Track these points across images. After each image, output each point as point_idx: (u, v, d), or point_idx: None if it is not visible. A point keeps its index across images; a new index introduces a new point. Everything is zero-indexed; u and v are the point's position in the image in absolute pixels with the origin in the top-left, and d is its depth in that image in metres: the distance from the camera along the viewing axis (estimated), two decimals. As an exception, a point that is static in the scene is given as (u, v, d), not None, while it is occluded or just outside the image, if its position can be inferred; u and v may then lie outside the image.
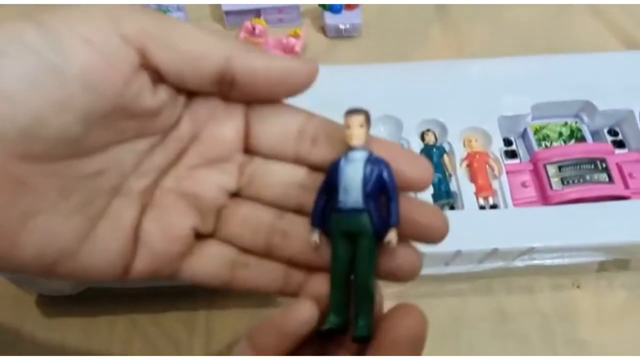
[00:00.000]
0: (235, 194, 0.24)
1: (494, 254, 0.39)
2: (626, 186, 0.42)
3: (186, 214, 0.23)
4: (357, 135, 0.22)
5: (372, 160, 0.22)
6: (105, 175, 0.21)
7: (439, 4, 0.60)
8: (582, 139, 0.45)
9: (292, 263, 0.24)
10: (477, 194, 0.41)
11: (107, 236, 0.21)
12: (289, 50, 0.55)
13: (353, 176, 0.21)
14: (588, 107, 0.45)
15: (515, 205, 0.41)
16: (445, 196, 0.41)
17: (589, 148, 0.44)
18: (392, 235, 0.22)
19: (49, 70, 0.17)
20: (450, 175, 0.43)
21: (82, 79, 0.18)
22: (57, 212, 0.19)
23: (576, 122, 0.46)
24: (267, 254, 0.24)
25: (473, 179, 0.42)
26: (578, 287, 0.43)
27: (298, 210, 0.24)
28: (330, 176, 0.22)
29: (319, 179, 0.23)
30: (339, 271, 0.22)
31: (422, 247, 0.37)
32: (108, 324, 0.42)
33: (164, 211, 0.23)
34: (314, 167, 0.24)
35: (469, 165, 0.43)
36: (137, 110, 0.20)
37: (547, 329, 0.42)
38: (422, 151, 0.43)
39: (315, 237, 0.22)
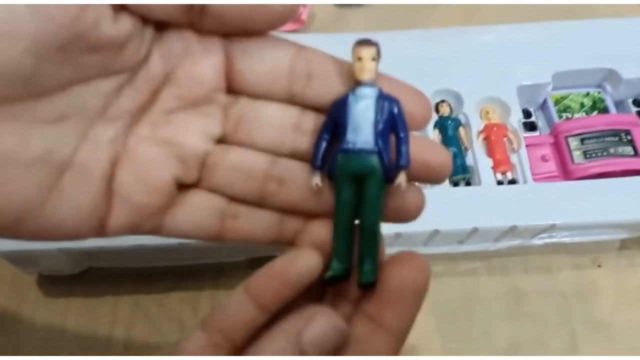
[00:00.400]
0: (221, 140, 0.22)
1: (511, 231, 0.37)
2: (652, 160, 0.40)
3: (166, 163, 0.21)
4: (369, 68, 0.20)
5: (384, 97, 0.20)
6: (68, 120, 0.18)
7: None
8: (605, 110, 0.43)
9: (289, 211, 0.22)
10: (494, 168, 0.39)
11: (75, 189, 0.19)
12: (295, 19, 0.53)
13: (364, 114, 0.20)
14: (611, 75, 0.43)
15: (535, 180, 0.39)
16: (461, 171, 0.40)
17: (613, 119, 0.41)
18: (402, 178, 0.20)
19: None
20: (466, 149, 0.41)
21: (31, 1, 0.16)
22: (16, 162, 0.17)
23: (599, 92, 0.44)
24: (260, 202, 0.22)
25: (490, 152, 0.40)
26: (599, 266, 0.42)
27: (293, 155, 0.22)
28: (336, 114, 0.20)
29: (316, 119, 0.21)
30: (344, 215, 0.21)
31: (438, 225, 0.36)
32: (111, 304, 0.41)
33: (141, 161, 0.20)
34: (309, 106, 0.21)
35: (486, 138, 0.41)
36: (96, 40, 0.18)
37: (565, 309, 0.40)
38: (437, 124, 0.41)
39: (317, 180, 0.21)
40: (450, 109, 0.42)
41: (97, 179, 0.20)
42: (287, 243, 0.22)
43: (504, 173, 0.40)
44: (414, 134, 0.21)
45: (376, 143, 0.20)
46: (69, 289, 0.41)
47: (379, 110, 0.20)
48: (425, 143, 0.21)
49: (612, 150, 0.40)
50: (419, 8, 0.55)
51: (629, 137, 0.40)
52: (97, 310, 0.40)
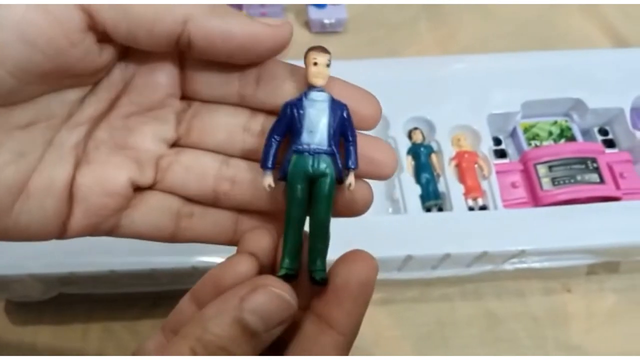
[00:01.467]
0: (175, 143, 0.23)
1: (483, 257, 0.38)
2: (617, 187, 0.41)
3: (121, 167, 0.21)
4: (324, 74, 0.21)
5: (335, 102, 0.21)
6: (36, 126, 0.19)
7: (427, 3, 0.59)
8: (572, 138, 0.44)
9: (243, 210, 0.23)
10: (466, 195, 0.40)
11: (40, 194, 0.20)
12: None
13: (318, 117, 0.21)
14: (578, 105, 0.44)
15: (505, 206, 0.40)
16: (433, 197, 0.40)
17: (580, 147, 0.43)
18: (351, 179, 0.21)
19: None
20: (438, 176, 0.41)
21: (19, 30, 0.17)
22: None
23: (566, 121, 0.45)
24: (214, 202, 0.23)
25: (462, 179, 0.41)
26: (569, 290, 0.42)
27: (244, 156, 0.22)
28: (289, 116, 0.21)
29: (265, 120, 0.22)
30: (297, 214, 0.21)
31: (412, 250, 0.36)
32: (81, 331, 0.40)
33: (98, 164, 0.21)
34: (257, 109, 0.22)
35: (458, 165, 0.41)
36: (81, 70, 0.19)
37: (538, 333, 0.41)
38: (410, 150, 0.42)
39: (270, 180, 0.21)
40: (423, 136, 0.43)
41: (61, 182, 0.20)
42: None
43: (475, 199, 0.40)
44: (362, 133, 0.22)
45: (330, 145, 0.21)
46: (38, 316, 0.40)
47: (332, 114, 0.21)
48: (372, 141, 0.22)
49: (579, 178, 0.41)
50: (395, 36, 0.56)
51: (594, 165, 0.41)
52: (67, 338, 0.39)
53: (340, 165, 0.21)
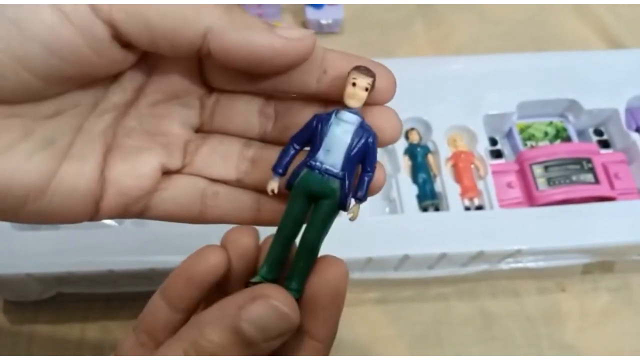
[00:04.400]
0: (199, 129, 0.23)
1: (479, 256, 0.38)
2: (612, 187, 0.42)
3: (152, 151, 0.22)
4: (359, 97, 0.20)
5: (364, 127, 0.20)
6: (64, 115, 0.20)
7: (422, 3, 0.59)
8: (567, 139, 0.45)
9: (264, 191, 0.23)
10: (462, 195, 0.40)
11: (72, 175, 0.20)
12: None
13: (341, 138, 0.20)
14: (574, 106, 0.44)
15: (501, 206, 0.40)
16: (430, 197, 0.40)
17: (575, 148, 0.43)
18: (356, 210, 0.21)
19: (10, 23, 0.17)
20: (435, 176, 0.42)
21: (46, 42, 0.18)
22: (19, 151, 0.19)
23: (562, 122, 0.45)
24: (237, 183, 0.23)
25: (458, 179, 0.41)
26: (563, 290, 0.43)
27: (261, 139, 0.23)
28: (313, 129, 0.21)
29: (277, 105, 0.22)
30: (289, 228, 0.21)
31: (408, 250, 0.36)
32: (78, 331, 0.40)
33: (130, 150, 0.22)
34: (270, 96, 0.23)
35: (454, 165, 0.42)
36: (106, 73, 0.20)
37: (532, 332, 0.41)
38: (406, 151, 0.42)
39: (274, 185, 0.21)
40: (420, 136, 0.43)
41: (92, 166, 0.21)
42: (266, 223, 0.23)
43: (471, 199, 0.41)
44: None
45: (343, 169, 0.20)
46: (36, 315, 0.40)
47: (356, 138, 0.20)
48: (378, 107, 0.21)
49: (574, 178, 0.41)
50: (391, 36, 0.57)
51: (590, 165, 0.42)
52: (65, 337, 0.39)
53: (346, 191, 0.20)
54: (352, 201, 0.21)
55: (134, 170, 0.22)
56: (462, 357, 0.40)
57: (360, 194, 0.21)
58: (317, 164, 0.20)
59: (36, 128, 0.19)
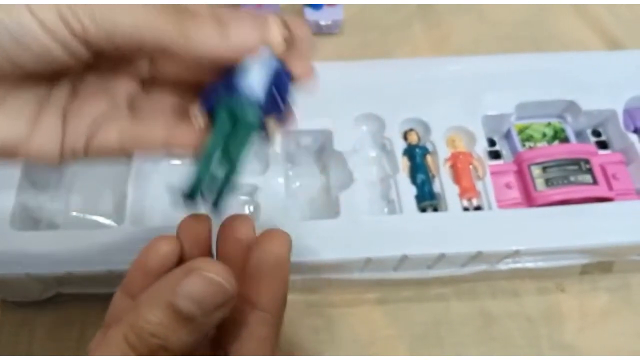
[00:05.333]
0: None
1: (478, 257, 0.38)
2: (610, 187, 0.42)
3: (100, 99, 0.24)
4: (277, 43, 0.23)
5: (277, 61, 0.23)
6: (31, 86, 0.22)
7: (421, 4, 0.59)
8: (565, 140, 0.45)
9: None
10: (461, 195, 0.40)
11: (48, 122, 0.22)
12: (268, 46, 0.54)
13: (259, 68, 0.22)
14: (572, 107, 0.45)
15: (499, 207, 0.40)
16: (428, 197, 0.40)
17: (573, 149, 0.43)
18: (273, 125, 0.23)
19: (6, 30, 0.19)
20: (433, 176, 0.42)
21: (16, 37, 0.19)
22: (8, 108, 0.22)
23: (560, 122, 0.45)
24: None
25: (457, 180, 0.41)
26: (562, 290, 0.43)
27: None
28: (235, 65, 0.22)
29: None
30: (214, 149, 0.22)
31: (407, 250, 0.37)
32: (78, 331, 0.40)
33: (83, 100, 0.23)
34: None
35: (453, 166, 0.42)
36: (69, 65, 0.21)
37: (532, 332, 0.41)
38: (405, 151, 0.42)
39: (201, 121, 0.23)
40: (418, 137, 0.43)
41: (58, 112, 0.23)
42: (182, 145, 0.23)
43: (469, 200, 0.41)
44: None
45: (261, 91, 0.22)
46: (34, 316, 0.40)
47: (271, 68, 0.22)
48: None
49: (572, 179, 0.41)
50: (390, 38, 0.57)
51: (588, 166, 0.42)
52: (64, 337, 0.40)
53: (265, 110, 0.22)
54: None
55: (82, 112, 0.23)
56: (462, 357, 0.40)
57: (277, 108, 0.23)
58: (239, 90, 0.22)
59: (9, 95, 0.21)
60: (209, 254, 0.24)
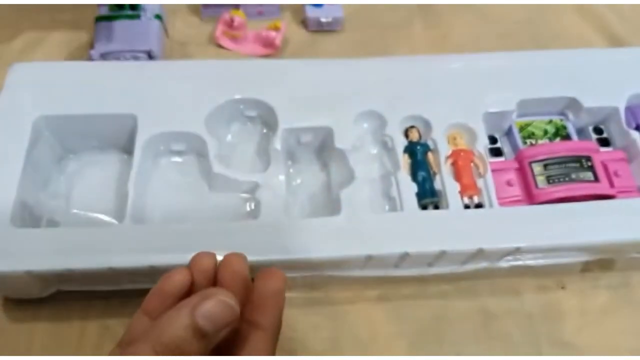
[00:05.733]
0: None
1: (478, 254, 0.38)
2: (611, 185, 0.42)
3: None
4: None
5: None
6: None
7: (422, 3, 0.59)
8: (567, 137, 0.45)
9: None
10: (462, 193, 0.40)
11: None
12: (268, 44, 0.54)
13: None
14: (573, 104, 0.44)
15: (500, 204, 0.40)
16: (429, 195, 0.40)
17: (575, 146, 0.43)
18: None
19: None
20: (434, 174, 0.42)
21: None
22: None
23: (561, 120, 0.45)
24: None
25: (458, 177, 0.41)
26: (563, 288, 0.43)
27: None
28: None
29: None
30: None
31: (408, 248, 0.36)
32: (78, 328, 0.40)
33: None
34: None
35: (454, 164, 0.42)
36: None
37: (532, 330, 0.41)
38: (406, 149, 0.42)
39: None
40: (420, 134, 0.43)
41: None
42: None
43: (470, 197, 0.41)
44: None
45: None
46: (35, 313, 0.40)
47: None
48: None
49: (573, 176, 0.41)
50: (390, 35, 0.57)
51: (589, 163, 0.42)
52: (64, 335, 0.39)
53: None
54: None
55: None
56: (463, 357, 0.40)
57: None
58: None
59: None
60: (214, 283, 0.28)
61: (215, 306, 0.24)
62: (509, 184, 0.42)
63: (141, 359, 0.23)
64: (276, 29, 0.54)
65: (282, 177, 0.42)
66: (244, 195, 0.42)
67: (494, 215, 0.39)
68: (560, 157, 0.42)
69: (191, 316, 0.23)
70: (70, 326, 0.40)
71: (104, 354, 0.39)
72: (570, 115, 0.45)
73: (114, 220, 0.41)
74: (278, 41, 0.53)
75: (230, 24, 0.53)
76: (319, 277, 0.41)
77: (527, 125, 0.45)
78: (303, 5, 0.55)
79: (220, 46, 0.54)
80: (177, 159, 0.44)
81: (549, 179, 0.41)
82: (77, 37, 0.54)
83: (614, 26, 0.58)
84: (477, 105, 0.43)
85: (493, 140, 0.45)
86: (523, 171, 0.42)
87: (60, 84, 0.43)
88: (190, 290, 0.27)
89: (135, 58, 0.50)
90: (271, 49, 0.54)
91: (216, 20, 0.54)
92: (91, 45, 0.51)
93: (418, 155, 0.42)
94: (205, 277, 0.28)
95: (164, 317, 0.24)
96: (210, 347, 0.24)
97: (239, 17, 0.53)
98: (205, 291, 0.25)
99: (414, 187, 0.40)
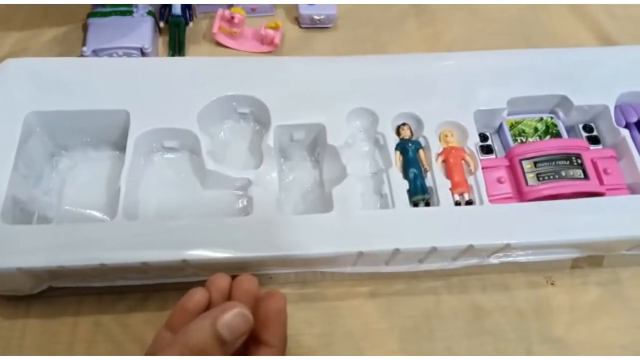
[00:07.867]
0: None
1: (469, 251, 0.38)
2: (601, 182, 0.42)
3: None
4: None
5: None
6: None
7: (414, 4, 0.59)
8: (557, 135, 0.45)
9: None
10: (452, 190, 0.41)
11: None
12: (268, 42, 0.54)
13: None
14: (564, 102, 0.45)
15: (490, 201, 0.40)
16: (420, 192, 0.41)
17: (565, 143, 0.43)
18: None
19: None
20: (426, 171, 0.42)
21: None
22: None
23: (552, 118, 0.46)
24: None
25: (449, 174, 0.41)
26: (552, 284, 0.43)
27: None
28: None
29: None
30: None
31: (399, 244, 0.37)
32: (70, 325, 0.40)
33: None
34: None
35: (445, 161, 0.42)
36: None
37: (522, 326, 0.42)
38: (398, 146, 0.42)
39: None
40: (411, 131, 0.43)
41: None
42: None
43: (461, 194, 0.41)
44: None
45: None
46: (27, 310, 0.40)
47: None
48: None
49: (563, 173, 0.41)
50: (383, 33, 0.57)
51: (579, 161, 0.42)
52: (56, 331, 0.39)
53: None
54: None
55: None
56: (455, 357, 0.40)
57: None
58: None
59: None
60: (228, 300, 0.31)
61: (233, 317, 0.27)
62: (499, 181, 0.42)
63: (171, 359, 0.26)
64: (276, 27, 0.54)
65: (274, 174, 0.42)
66: (237, 192, 0.42)
67: (485, 212, 0.39)
68: (551, 154, 0.42)
69: (213, 325, 0.27)
70: (63, 323, 0.40)
71: (97, 351, 0.39)
72: (561, 113, 0.46)
73: (106, 217, 0.41)
74: (277, 40, 0.53)
75: (229, 21, 0.53)
76: (311, 274, 0.41)
77: (518, 123, 0.45)
78: (296, 4, 0.55)
79: (218, 43, 0.54)
80: (170, 155, 0.44)
81: (539, 177, 0.42)
82: (69, 33, 0.54)
83: (605, 25, 0.58)
84: (469, 103, 0.44)
85: (484, 137, 0.45)
86: (513, 168, 0.43)
87: (53, 80, 0.42)
88: (208, 308, 0.30)
89: (128, 55, 0.50)
90: (270, 47, 0.54)
91: (212, 17, 0.55)
92: (83, 42, 0.51)
93: (409, 153, 0.42)
94: (221, 294, 0.31)
95: (190, 325, 0.27)
96: (228, 353, 0.27)
97: (239, 14, 0.53)
98: (225, 304, 0.28)
99: (405, 184, 0.41)
